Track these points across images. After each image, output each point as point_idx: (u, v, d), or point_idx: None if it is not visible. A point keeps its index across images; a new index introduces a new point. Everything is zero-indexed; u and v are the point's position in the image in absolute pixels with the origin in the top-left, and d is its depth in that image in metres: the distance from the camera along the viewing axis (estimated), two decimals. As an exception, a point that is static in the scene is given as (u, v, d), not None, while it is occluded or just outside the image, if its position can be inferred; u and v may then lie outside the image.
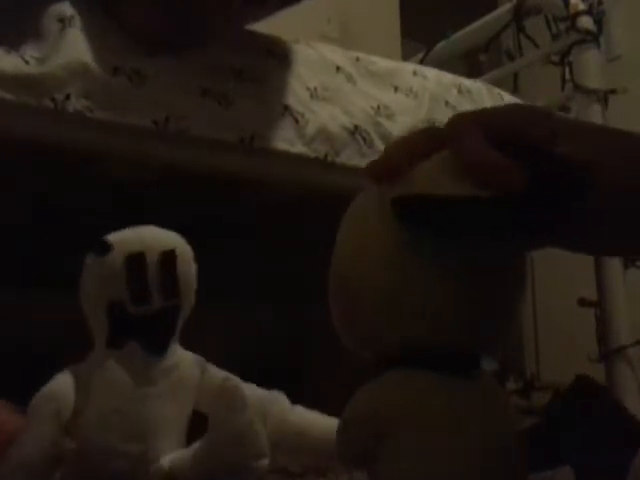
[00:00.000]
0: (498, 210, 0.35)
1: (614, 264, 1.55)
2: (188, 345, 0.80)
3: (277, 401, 0.80)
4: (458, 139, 0.37)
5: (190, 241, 0.79)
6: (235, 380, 0.72)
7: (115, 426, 0.68)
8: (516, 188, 0.34)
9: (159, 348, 0.72)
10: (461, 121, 0.38)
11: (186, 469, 0.69)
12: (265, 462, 0.68)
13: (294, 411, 0.80)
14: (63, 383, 0.69)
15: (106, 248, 0.70)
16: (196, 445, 0.71)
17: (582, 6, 1.66)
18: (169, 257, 0.71)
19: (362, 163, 1.22)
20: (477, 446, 0.36)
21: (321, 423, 0.78)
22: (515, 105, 0.42)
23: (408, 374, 0.38)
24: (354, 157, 1.21)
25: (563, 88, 1.72)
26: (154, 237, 0.72)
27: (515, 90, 1.82)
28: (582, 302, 1.59)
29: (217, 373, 0.74)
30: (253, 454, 0.67)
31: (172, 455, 0.71)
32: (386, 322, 0.38)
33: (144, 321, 0.71)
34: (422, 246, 0.37)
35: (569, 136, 0.37)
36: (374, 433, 0.37)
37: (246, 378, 0.76)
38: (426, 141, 0.38)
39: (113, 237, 0.71)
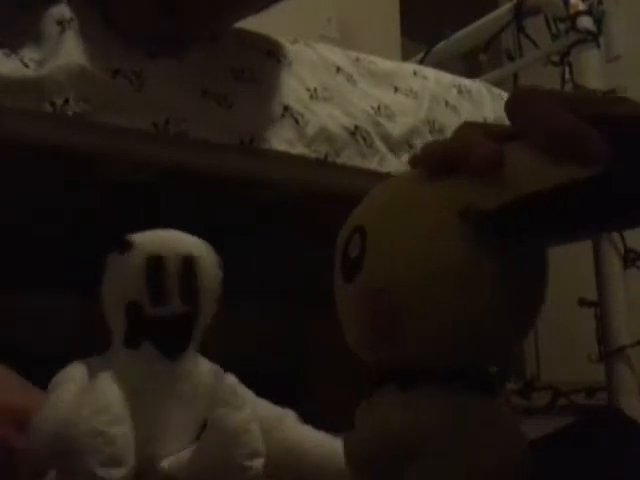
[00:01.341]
0: (598, 189, 0.33)
1: (614, 264, 1.55)
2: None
3: (285, 417, 0.79)
4: (537, 117, 0.34)
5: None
6: (235, 379, 0.72)
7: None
8: (608, 153, 0.32)
9: (173, 352, 0.73)
10: (531, 101, 0.35)
11: (183, 469, 0.69)
12: (260, 462, 0.68)
13: (301, 429, 0.79)
14: (80, 369, 0.70)
15: (127, 245, 0.70)
16: (193, 445, 0.71)
17: (582, 6, 1.66)
18: (189, 263, 0.71)
19: (362, 163, 1.22)
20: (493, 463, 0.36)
21: (323, 441, 0.77)
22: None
23: (437, 391, 0.36)
24: (354, 157, 1.21)
25: (563, 88, 1.72)
26: (176, 241, 0.73)
27: (515, 90, 1.81)
28: (582, 302, 1.59)
29: (227, 379, 0.74)
30: (248, 453, 0.67)
31: (172, 456, 0.71)
32: (450, 337, 0.36)
33: (161, 323, 0.72)
34: (499, 255, 0.35)
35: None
36: (405, 450, 0.36)
37: (246, 379, 0.76)
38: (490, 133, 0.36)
39: (136, 237, 0.72)
